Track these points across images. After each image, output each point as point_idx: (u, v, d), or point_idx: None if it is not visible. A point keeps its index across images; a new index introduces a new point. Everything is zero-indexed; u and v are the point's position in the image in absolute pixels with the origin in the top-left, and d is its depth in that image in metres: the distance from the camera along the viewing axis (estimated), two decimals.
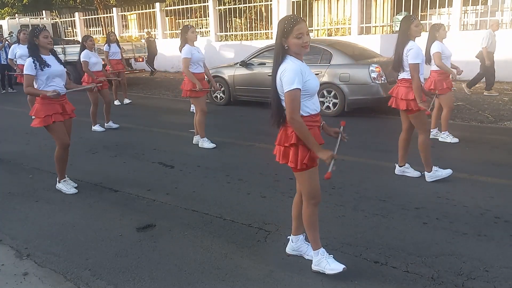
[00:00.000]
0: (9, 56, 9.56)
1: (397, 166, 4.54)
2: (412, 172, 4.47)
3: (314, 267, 2.78)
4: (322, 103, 7.59)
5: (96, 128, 7.20)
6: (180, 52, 5.67)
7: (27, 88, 4.07)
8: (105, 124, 7.33)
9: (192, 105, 8.67)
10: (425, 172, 4.35)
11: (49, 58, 4.15)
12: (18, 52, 9.04)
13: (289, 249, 3.00)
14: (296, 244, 2.96)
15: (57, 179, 4.42)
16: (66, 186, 4.38)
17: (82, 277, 2.83)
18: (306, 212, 2.73)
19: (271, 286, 2.66)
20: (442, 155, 5.28)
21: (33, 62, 4.03)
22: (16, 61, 9.15)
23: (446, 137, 5.74)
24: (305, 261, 2.90)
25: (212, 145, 5.87)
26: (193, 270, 2.86)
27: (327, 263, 2.71)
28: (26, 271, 2.93)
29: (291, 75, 2.41)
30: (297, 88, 2.40)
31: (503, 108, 7.83)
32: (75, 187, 4.41)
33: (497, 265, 2.79)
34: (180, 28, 17.99)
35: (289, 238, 3.01)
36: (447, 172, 4.31)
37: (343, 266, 2.68)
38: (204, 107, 5.86)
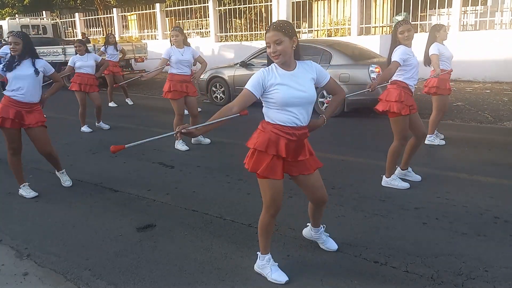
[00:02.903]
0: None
1: (398, 168, 4.35)
2: (413, 176, 4.36)
3: (256, 269, 2.79)
4: (322, 103, 7.58)
5: (84, 129, 7.15)
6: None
7: None
8: (96, 124, 7.30)
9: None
10: (383, 176, 4.27)
11: (24, 62, 4.10)
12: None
13: (307, 235, 3.11)
14: (316, 234, 3.03)
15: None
16: (26, 191, 4.31)
17: (82, 277, 2.83)
18: (262, 220, 2.66)
19: (271, 286, 2.66)
20: (442, 155, 5.29)
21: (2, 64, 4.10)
22: None
23: (434, 140, 5.66)
24: (305, 261, 2.91)
25: (185, 148, 5.82)
26: (193, 270, 2.87)
27: (270, 271, 2.70)
28: (26, 271, 2.93)
29: (252, 78, 2.47)
30: (245, 88, 2.44)
31: (503, 109, 7.83)
32: (34, 193, 4.33)
33: (497, 265, 2.79)
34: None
35: (308, 225, 3.08)
36: (404, 185, 4.17)
37: (286, 279, 2.66)
38: (194, 111, 5.84)
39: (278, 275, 2.68)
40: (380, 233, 3.27)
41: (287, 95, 2.41)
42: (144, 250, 3.16)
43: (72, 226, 3.60)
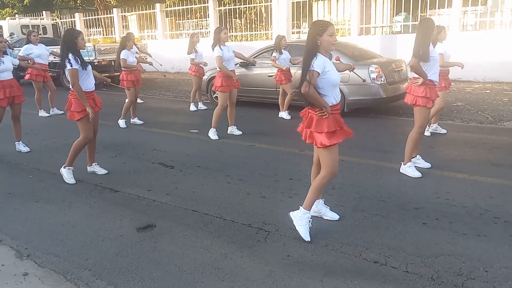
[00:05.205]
0: (20, 54, 9.32)
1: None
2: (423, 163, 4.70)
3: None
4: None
5: (122, 123, 7.57)
6: (213, 50, 6.16)
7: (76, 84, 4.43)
8: (131, 120, 7.79)
9: (192, 104, 8.89)
10: (402, 163, 4.60)
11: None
12: (36, 51, 8.92)
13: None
14: (316, 207, 3.50)
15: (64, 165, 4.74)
16: (69, 175, 4.68)
17: (82, 277, 2.83)
18: (322, 180, 3.20)
19: (271, 286, 2.66)
20: (442, 155, 5.29)
21: (75, 58, 4.40)
22: (33, 60, 8.95)
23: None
24: (305, 261, 2.91)
25: (216, 137, 6.32)
26: (193, 270, 2.87)
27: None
28: (26, 271, 2.93)
29: (316, 62, 3.02)
30: (315, 71, 2.98)
31: (503, 109, 7.83)
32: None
33: (497, 265, 2.79)
34: (180, 29, 18.00)
35: None
36: (416, 174, 4.44)
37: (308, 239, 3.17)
38: (233, 100, 6.43)
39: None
40: (380, 233, 3.27)
41: (336, 75, 3.09)
42: (144, 250, 3.16)
43: (72, 226, 3.60)
